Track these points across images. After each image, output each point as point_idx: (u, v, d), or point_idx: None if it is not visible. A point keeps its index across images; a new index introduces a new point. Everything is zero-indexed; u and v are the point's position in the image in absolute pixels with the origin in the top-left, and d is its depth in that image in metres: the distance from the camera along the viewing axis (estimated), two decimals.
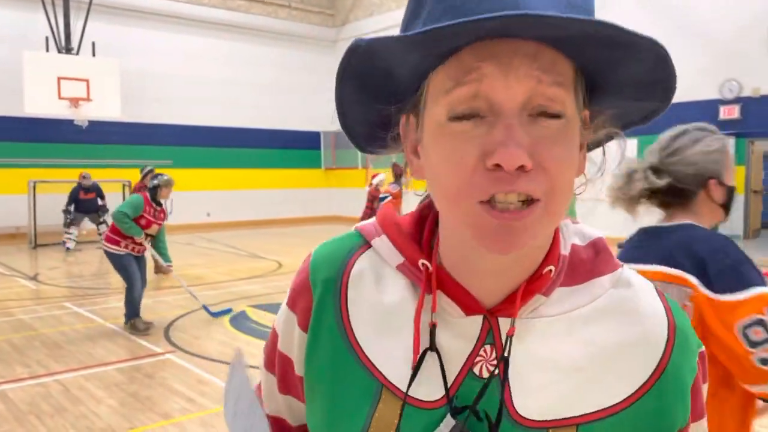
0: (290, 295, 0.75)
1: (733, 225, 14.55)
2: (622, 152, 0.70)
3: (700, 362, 0.67)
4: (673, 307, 0.68)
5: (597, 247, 0.70)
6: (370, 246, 0.73)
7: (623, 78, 0.60)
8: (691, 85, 11.82)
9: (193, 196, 16.89)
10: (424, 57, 0.58)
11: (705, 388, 0.69)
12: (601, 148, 0.68)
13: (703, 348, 0.69)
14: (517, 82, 0.55)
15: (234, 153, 17.92)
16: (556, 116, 0.56)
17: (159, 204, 6.42)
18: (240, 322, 6.70)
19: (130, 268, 6.18)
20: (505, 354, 0.63)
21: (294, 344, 0.74)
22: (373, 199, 10.81)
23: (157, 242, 6.71)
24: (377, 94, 0.65)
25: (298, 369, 0.74)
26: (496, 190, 0.56)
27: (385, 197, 9.94)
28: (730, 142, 12.03)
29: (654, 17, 12.36)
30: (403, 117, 0.66)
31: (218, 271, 10.08)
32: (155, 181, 6.41)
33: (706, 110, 11.91)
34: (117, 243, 6.15)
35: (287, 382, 0.77)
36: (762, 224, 15.13)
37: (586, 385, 0.63)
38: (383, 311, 0.69)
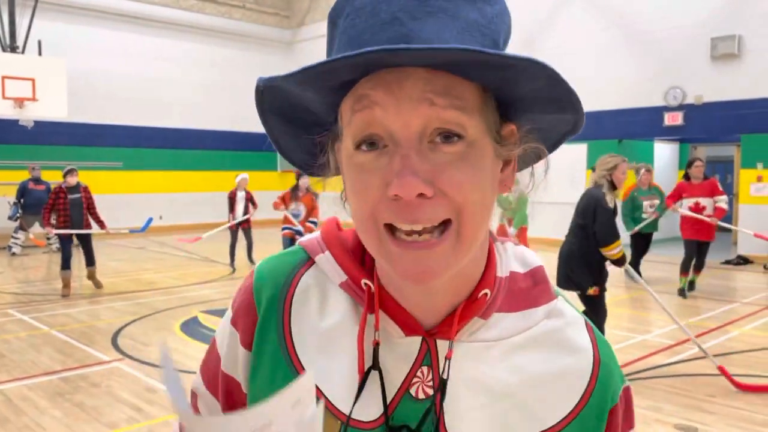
0: (234, 312, 0.73)
1: (676, 227, 15.03)
2: (546, 168, 0.69)
3: (623, 397, 0.70)
4: (599, 341, 0.70)
5: (536, 277, 0.71)
6: (314, 262, 0.72)
7: (527, 95, 0.60)
8: (638, 92, 12.20)
9: (145, 198, 16.56)
10: (317, 92, 0.59)
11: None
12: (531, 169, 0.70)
13: (628, 384, 0.71)
14: (411, 108, 0.55)
15: (188, 155, 17.64)
16: (455, 139, 0.56)
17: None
18: (191, 328, 6.61)
19: None
20: (444, 377, 0.64)
21: (239, 364, 0.72)
22: (232, 202, 10.51)
23: None
24: (303, 126, 0.66)
25: (245, 388, 0.73)
26: (399, 221, 0.57)
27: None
28: (674, 147, 12.14)
29: (603, 26, 12.70)
30: (330, 144, 0.67)
31: (170, 276, 9.92)
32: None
33: (651, 116, 12.30)
34: None
35: (233, 404, 0.75)
36: None
37: (514, 412, 0.65)
38: (325, 330, 0.68)
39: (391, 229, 0.58)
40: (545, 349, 0.67)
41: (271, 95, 0.61)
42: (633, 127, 12.33)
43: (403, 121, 0.56)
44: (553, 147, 0.68)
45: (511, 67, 0.54)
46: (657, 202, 9.00)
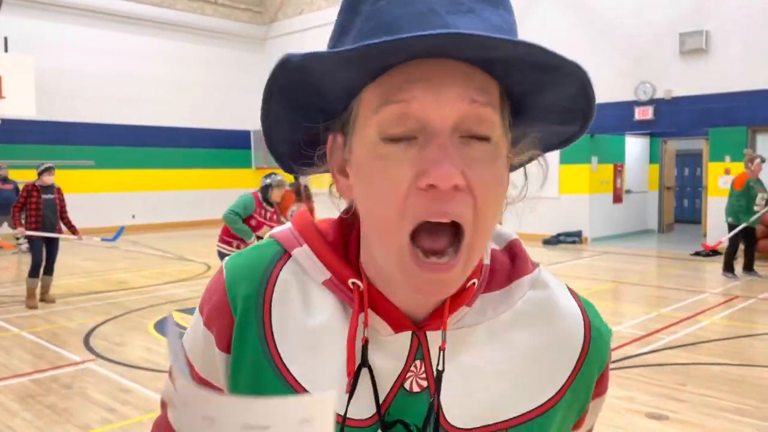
0: (205, 315, 0.70)
1: (648, 220, 15.32)
2: (545, 174, 0.68)
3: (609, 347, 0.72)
4: (585, 304, 0.71)
5: (513, 250, 0.71)
6: (289, 255, 0.69)
7: (547, 102, 0.60)
8: (609, 87, 12.35)
9: (117, 197, 16.33)
10: (357, 74, 0.57)
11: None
12: (523, 171, 0.68)
13: (611, 330, 0.73)
14: (449, 102, 0.54)
15: (160, 153, 17.43)
16: (485, 138, 0.56)
17: (271, 204, 6.03)
18: (166, 327, 6.53)
19: None
20: (439, 368, 0.63)
21: (218, 368, 0.69)
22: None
23: None
24: (306, 112, 0.63)
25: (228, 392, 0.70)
26: (428, 214, 0.55)
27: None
28: (645, 141, 11.78)
29: (575, 22, 12.83)
30: (331, 135, 0.64)
31: (143, 275, 9.81)
32: (267, 180, 6.00)
33: (622, 111, 12.47)
34: (228, 243, 5.92)
35: None
36: (675, 219, 15.97)
37: (512, 389, 0.65)
38: (311, 330, 0.66)
39: (412, 241, 0.57)
40: (534, 321, 0.67)
41: (292, 74, 0.58)
42: (605, 122, 12.49)
43: (440, 114, 0.55)
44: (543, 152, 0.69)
45: (554, 71, 0.55)
46: (766, 195, 8.68)
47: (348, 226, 0.69)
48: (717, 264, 9.78)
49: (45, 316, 7.12)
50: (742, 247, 9.07)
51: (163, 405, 0.75)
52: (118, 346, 5.79)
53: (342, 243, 0.69)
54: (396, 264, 0.58)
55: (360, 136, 0.59)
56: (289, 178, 6.52)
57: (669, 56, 11.85)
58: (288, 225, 0.72)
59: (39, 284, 7.56)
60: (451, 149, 0.54)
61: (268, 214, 5.95)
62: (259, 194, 5.93)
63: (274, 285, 0.67)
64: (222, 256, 5.95)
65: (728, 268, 8.91)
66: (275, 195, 5.97)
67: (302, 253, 0.68)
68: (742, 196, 8.65)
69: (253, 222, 5.83)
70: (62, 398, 4.51)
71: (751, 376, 4.83)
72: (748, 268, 9.07)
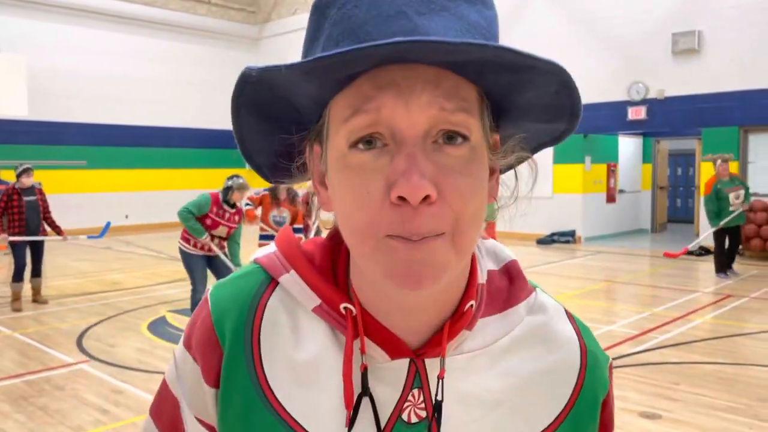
0: (193, 348, 0.66)
1: (641, 220, 15.37)
2: (535, 175, 0.66)
3: (609, 374, 0.70)
4: (582, 329, 0.69)
5: (511, 272, 0.69)
6: (276, 283, 0.66)
7: (529, 102, 0.58)
8: (602, 87, 12.39)
9: (110, 197, 16.27)
10: (321, 85, 0.54)
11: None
12: (513, 172, 0.66)
13: (611, 359, 0.71)
14: (419, 109, 0.52)
15: (153, 153, 17.37)
16: (460, 142, 0.54)
17: (232, 206, 5.99)
18: (159, 327, 6.53)
19: (194, 268, 5.88)
20: (438, 398, 0.61)
21: (208, 405, 0.66)
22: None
23: (230, 244, 6.11)
24: (280, 123, 0.61)
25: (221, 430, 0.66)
26: (402, 230, 0.52)
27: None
28: (638, 141, 11.87)
29: (567, 22, 12.86)
30: (307, 145, 0.62)
31: (136, 276, 9.78)
32: (229, 183, 5.97)
33: (615, 111, 12.51)
34: (187, 240, 5.87)
35: None
36: (668, 218, 16.02)
37: (509, 418, 0.63)
38: (303, 362, 0.63)
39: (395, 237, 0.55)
40: (532, 348, 0.66)
41: (256, 87, 0.56)
42: (598, 122, 12.53)
43: (410, 122, 0.52)
44: (531, 152, 0.66)
45: (529, 70, 0.53)
46: (742, 192, 8.63)
47: (335, 250, 0.67)
48: (709, 264, 9.82)
49: (37, 317, 7.08)
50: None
51: (165, 386, 0.72)
52: (111, 347, 5.76)
53: (330, 267, 0.66)
54: (376, 261, 0.55)
55: (332, 145, 0.57)
56: (265, 183, 6.32)
57: (661, 56, 11.89)
58: (273, 248, 0.69)
59: (25, 287, 7.49)
60: (421, 158, 0.52)
61: (227, 215, 5.94)
62: (220, 195, 5.93)
63: (263, 315, 0.64)
64: (181, 252, 5.93)
65: (719, 269, 8.95)
66: (236, 196, 5.96)
67: (290, 279, 0.65)
68: (710, 201, 8.75)
69: (208, 221, 5.84)
70: (55, 400, 4.49)
71: (743, 375, 4.86)
72: (727, 265, 9.07)
